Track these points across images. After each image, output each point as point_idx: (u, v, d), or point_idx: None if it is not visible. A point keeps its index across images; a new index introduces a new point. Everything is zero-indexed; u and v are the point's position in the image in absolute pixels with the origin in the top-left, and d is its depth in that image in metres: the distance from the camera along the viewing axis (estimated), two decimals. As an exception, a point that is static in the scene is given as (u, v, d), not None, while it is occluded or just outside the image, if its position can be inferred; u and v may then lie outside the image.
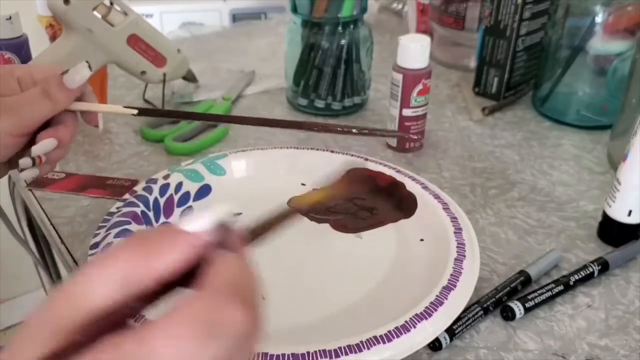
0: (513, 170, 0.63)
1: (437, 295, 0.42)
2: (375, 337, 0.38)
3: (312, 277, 0.48)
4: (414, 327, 0.39)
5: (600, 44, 0.67)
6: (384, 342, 0.38)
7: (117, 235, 0.47)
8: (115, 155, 0.65)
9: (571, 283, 0.47)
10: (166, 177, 0.55)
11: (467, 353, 0.42)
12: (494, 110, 0.74)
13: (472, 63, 0.84)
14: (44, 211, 0.56)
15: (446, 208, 0.51)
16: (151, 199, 0.52)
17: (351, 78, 0.72)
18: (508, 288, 0.46)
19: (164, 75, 0.71)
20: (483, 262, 0.50)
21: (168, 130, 0.68)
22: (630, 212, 0.50)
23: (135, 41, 0.67)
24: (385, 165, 0.57)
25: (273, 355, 0.37)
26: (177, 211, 0.54)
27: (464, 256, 0.46)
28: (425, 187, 0.54)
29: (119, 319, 0.22)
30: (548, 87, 0.72)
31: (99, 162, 0.64)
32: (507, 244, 0.53)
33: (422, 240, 0.50)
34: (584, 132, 0.70)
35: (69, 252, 0.52)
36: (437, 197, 0.53)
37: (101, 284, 0.22)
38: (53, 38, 0.77)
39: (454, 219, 0.50)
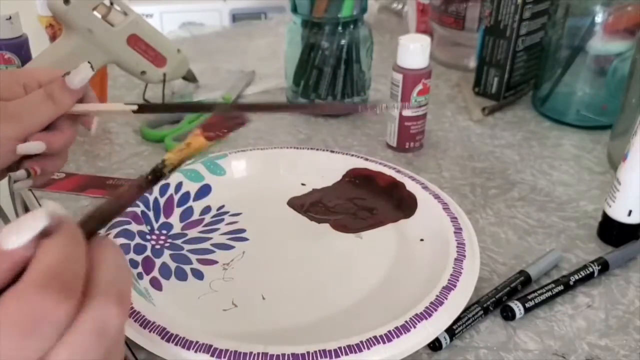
0: (513, 170, 0.63)
1: (437, 295, 0.42)
2: (375, 337, 0.38)
3: (312, 277, 0.48)
4: (414, 327, 0.39)
5: (600, 44, 0.67)
6: (384, 342, 0.38)
7: (117, 236, 0.47)
8: (115, 155, 0.65)
9: (571, 283, 0.47)
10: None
11: (467, 353, 0.42)
12: (494, 110, 0.74)
13: (472, 63, 0.84)
14: (44, 211, 0.56)
15: (446, 208, 0.51)
16: (151, 199, 0.52)
17: (351, 78, 0.72)
18: (508, 288, 0.46)
19: (164, 75, 0.71)
20: (483, 262, 0.50)
21: (168, 130, 0.68)
22: (630, 212, 0.50)
23: (135, 41, 0.67)
24: (385, 165, 0.57)
25: (273, 355, 0.37)
26: (177, 211, 0.54)
27: (464, 256, 0.46)
28: (425, 187, 0.54)
29: None
30: (548, 87, 0.72)
31: (99, 162, 0.64)
32: (507, 244, 0.53)
33: (422, 240, 0.50)
34: (584, 132, 0.70)
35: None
36: (437, 197, 0.53)
37: None
38: (53, 38, 0.77)
39: (454, 219, 0.50)
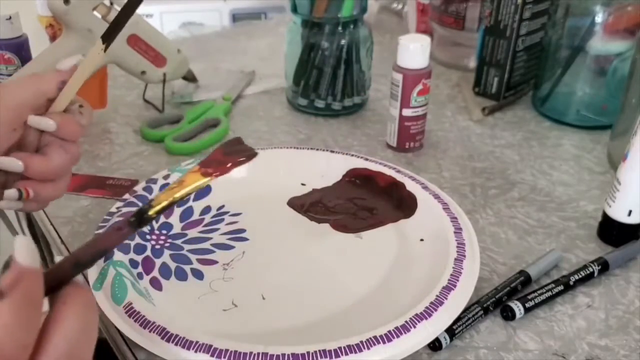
0: (513, 170, 0.63)
1: (437, 295, 0.42)
2: (375, 337, 0.38)
3: (312, 277, 0.48)
4: (414, 327, 0.39)
5: (600, 44, 0.67)
6: (384, 342, 0.38)
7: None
8: (115, 155, 0.65)
9: (571, 283, 0.47)
10: (166, 177, 0.55)
11: (467, 353, 0.42)
12: (494, 110, 0.74)
13: (472, 63, 0.85)
14: (44, 211, 0.56)
15: (446, 208, 0.51)
16: (151, 199, 0.52)
17: (351, 78, 0.72)
18: (508, 288, 0.46)
19: (164, 75, 0.71)
20: (483, 262, 0.50)
21: (168, 130, 0.68)
22: (630, 212, 0.50)
23: (135, 41, 0.67)
24: (385, 165, 0.57)
25: (273, 355, 0.37)
26: (177, 211, 0.54)
27: (464, 256, 0.46)
28: (425, 187, 0.54)
29: None
30: (548, 87, 0.72)
31: (99, 162, 0.64)
32: (507, 244, 0.53)
33: (422, 240, 0.50)
34: (584, 132, 0.70)
35: (69, 252, 0.52)
36: (437, 197, 0.53)
37: None
38: (53, 38, 0.77)
39: (454, 219, 0.50)
